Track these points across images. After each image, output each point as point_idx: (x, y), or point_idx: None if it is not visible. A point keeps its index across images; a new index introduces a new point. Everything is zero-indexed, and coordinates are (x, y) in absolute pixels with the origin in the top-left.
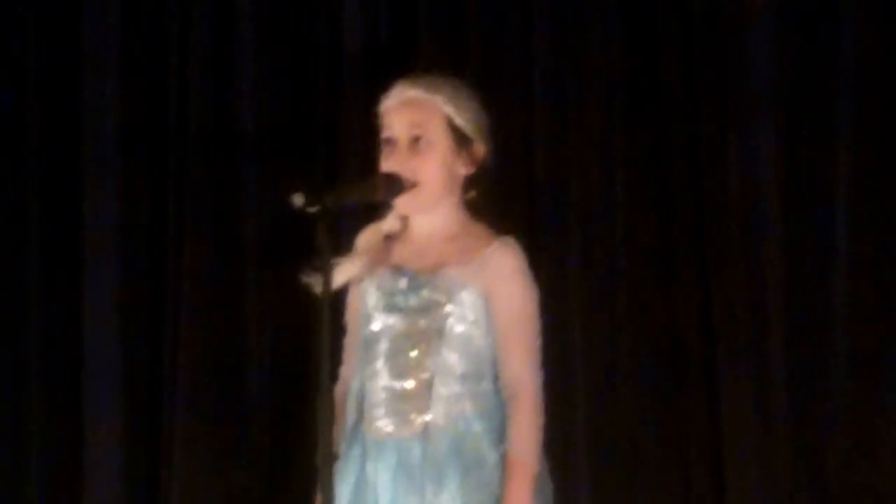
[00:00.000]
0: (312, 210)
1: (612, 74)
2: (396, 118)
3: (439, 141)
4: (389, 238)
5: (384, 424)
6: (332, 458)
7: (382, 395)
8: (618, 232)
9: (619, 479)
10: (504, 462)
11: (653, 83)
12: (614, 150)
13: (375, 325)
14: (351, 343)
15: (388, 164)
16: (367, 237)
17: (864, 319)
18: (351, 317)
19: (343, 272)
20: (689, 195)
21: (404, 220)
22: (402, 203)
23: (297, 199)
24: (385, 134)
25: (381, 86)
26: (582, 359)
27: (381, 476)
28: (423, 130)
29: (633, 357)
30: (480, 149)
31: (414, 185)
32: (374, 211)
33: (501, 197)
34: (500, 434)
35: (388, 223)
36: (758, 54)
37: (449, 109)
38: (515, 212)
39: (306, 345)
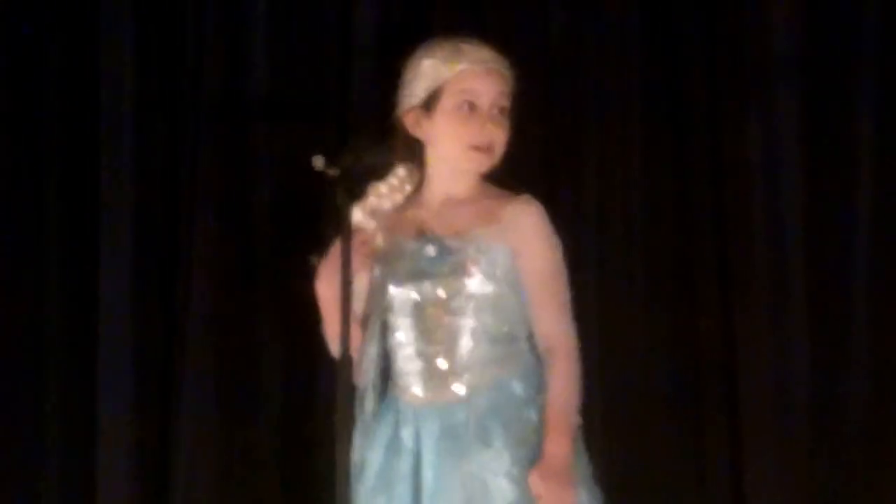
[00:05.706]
0: (333, 172)
1: (630, 39)
2: (484, 86)
3: (510, 114)
4: (401, 207)
5: (420, 391)
6: (350, 421)
7: (417, 362)
8: (634, 198)
9: (633, 448)
10: (544, 418)
11: (673, 49)
12: (632, 114)
13: (402, 293)
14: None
15: (468, 130)
16: (360, 213)
17: (886, 290)
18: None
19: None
20: (709, 161)
21: (401, 189)
22: (473, 165)
23: (318, 162)
24: (467, 97)
25: (394, 52)
26: (597, 326)
27: (425, 442)
28: (507, 102)
29: (649, 328)
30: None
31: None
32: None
33: (517, 159)
34: (540, 393)
35: (373, 202)
36: (780, 22)
37: (514, 85)
38: (531, 173)
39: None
